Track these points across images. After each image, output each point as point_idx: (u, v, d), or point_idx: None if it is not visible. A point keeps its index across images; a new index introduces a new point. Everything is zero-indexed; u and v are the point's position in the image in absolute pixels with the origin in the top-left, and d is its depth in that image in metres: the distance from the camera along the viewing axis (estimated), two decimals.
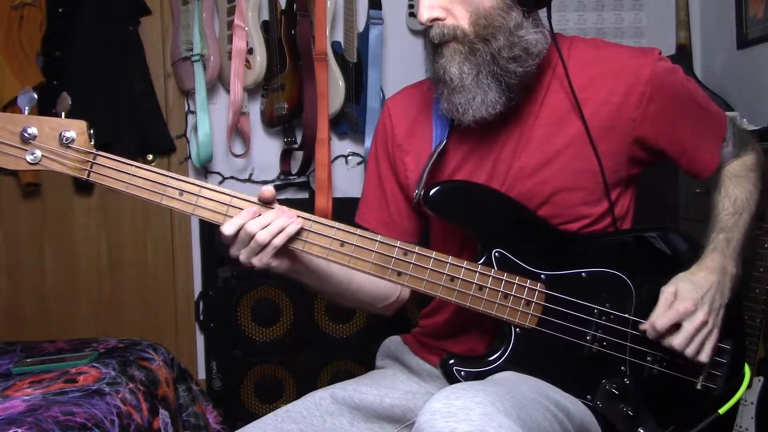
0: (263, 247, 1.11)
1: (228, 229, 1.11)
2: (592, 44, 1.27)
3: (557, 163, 1.22)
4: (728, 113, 1.33)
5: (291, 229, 1.12)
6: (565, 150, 1.22)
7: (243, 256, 1.13)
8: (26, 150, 1.09)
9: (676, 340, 1.15)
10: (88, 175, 1.11)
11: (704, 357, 1.17)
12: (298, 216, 1.14)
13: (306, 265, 1.21)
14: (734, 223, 1.25)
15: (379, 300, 1.34)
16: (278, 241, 1.12)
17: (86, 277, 3.02)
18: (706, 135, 1.27)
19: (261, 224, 1.11)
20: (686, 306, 1.15)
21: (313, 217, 1.14)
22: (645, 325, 1.18)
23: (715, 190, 1.29)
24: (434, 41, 1.18)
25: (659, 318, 1.16)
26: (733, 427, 1.29)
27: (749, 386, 1.26)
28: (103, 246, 3.03)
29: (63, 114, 1.12)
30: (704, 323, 1.16)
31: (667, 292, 1.17)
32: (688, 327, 1.15)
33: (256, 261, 1.13)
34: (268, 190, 1.13)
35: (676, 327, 1.16)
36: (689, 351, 1.16)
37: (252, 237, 1.11)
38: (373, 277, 1.18)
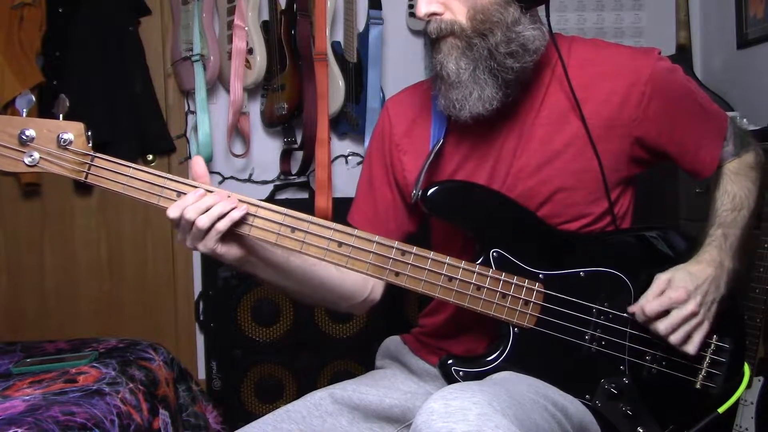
0: (205, 232, 1.09)
1: (172, 212, 1.09)
2: (592, 44, 1.27)
3: (558, 163, 1.22)
4: (728, 113, 1.33)
5: (235, 215, 1.10)
6: (565, 150, 1.22)
7: (188, 242, 1.11)
8: (24, 152, 1.09)
9: (662, 325, 1.15)
10: (86, 177, 1.11)
11: (691, 348, 1.17)
12: (241, 200, 1.11)
13: (260, 256, 1.18)
14: (732, 219, 1.25)
15: (345, 299, 1.31)
16: (221, 226, 1.09)
17: (86, 277, 3.01)
18: (706, 134, 1.27)
19: (199, 209, 1.08)
20: (678, 294, 1.15)
21: (310, 218, 1.14)
22: (634, 307, 1.18)
23: (714, 187, 1.29)
24: (432, 36, 1.18)
25: (649, 302, 1.16)
26: (732, 426, 1.29)
27: (749, 386, 1.25)
28: (103, 246, 3.02)
29: (61, 116, 1.11)
30: (694, 314, 1.16)
31: (661, 279, 1.17)
32: (675, 315, 1.15)
33: (201, 246, 1.11)
34: (198, 164, 1.13)
35: (666, 314, 1.16)
36: (674, 338, 1.16)
37: (192, 222, 1.09)
38: (339, 275, 1.16)
